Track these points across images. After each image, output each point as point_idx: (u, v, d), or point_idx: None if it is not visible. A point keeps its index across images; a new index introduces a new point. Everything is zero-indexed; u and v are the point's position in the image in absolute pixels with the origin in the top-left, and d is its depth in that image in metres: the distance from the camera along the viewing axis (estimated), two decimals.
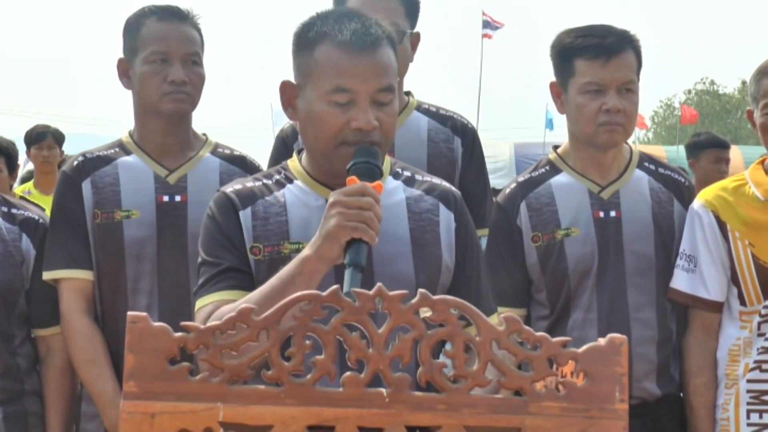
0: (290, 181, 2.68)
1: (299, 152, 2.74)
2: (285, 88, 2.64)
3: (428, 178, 2.77)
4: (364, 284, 2.06)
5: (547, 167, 3.62)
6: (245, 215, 2.61)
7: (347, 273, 2.27)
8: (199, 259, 2.64)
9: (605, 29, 3.51)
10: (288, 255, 2.55)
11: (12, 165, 6.48)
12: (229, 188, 2.68)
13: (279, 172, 2.72)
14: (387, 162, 2.71)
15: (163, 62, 3.44)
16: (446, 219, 2.69)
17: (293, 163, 2.73)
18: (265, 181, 2.70)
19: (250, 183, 2.70)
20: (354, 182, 2.40)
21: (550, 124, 25.02)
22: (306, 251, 2.39)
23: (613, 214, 3.51)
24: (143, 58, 3.46)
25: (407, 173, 2.75)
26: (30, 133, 8.40)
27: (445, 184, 2.78)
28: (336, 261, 2.35)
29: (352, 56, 2.50)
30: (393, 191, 2.67)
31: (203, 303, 2.55)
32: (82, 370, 3.47)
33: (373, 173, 2.43)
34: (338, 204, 2.34)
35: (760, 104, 3.44)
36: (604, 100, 3.42)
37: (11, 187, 6.69)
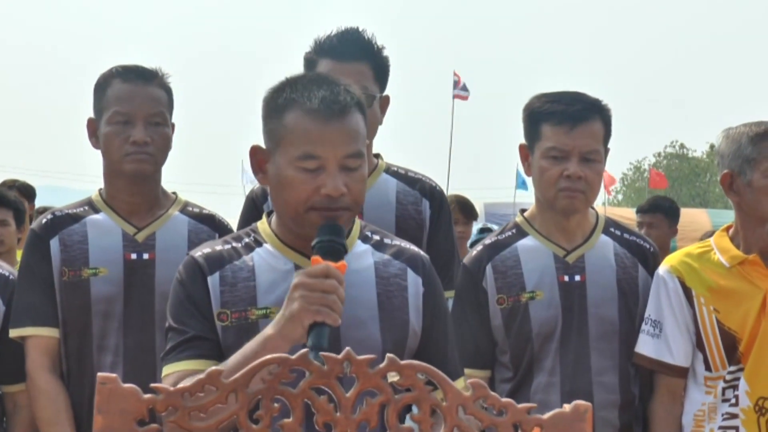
0: (259, 244, 2.68)
1: (269, 214, 2.74)
2: (255, 152, 2.65)
3: (397, 242, 2.78)
4: (332, 347, 2.06)
5: (514, 230, 3.65)
6: (213, 281, 2.61)
7: (309, 356, 2.27)
8: (167, 324, 2.63)
9: (575, 97, 3.53)
10: (255, 321, 2.56)
11: (20, 218, 6.50)
12: (198, 252, 2.67)
13: (249, 235, 2.72)
14: (356, 225, 2.73)
15: (126, 123, 3.45)
16: (414, 283, 2.70)
17: (263, 225, 2.72)
18: (234, 244, 2.69)
19: (219, 246, 2.69)
20: (318, 262, 2.39)
21: (523, 184, 25.07)
22: (269, 330, 2.39)
23: (577, 278, 3.53)
24: (107, 118, 3.47)
25: (376, 237, 2.76)
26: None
27: (414, 248, 2.79)
28: (298, 342, 2.34)
29: (321, 124, 2.52)
30: (361, 255, 2.69)
31: (168, 371, 2.54)
32: (44, 429, 3.46)
33: (337, 253, 2.43)
34: (301, 286, 2.34)
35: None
36: (566, 166, 3.45)
37: (19, 240, 6.69)
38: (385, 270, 2.68)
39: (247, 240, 2.70)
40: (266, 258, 2.65)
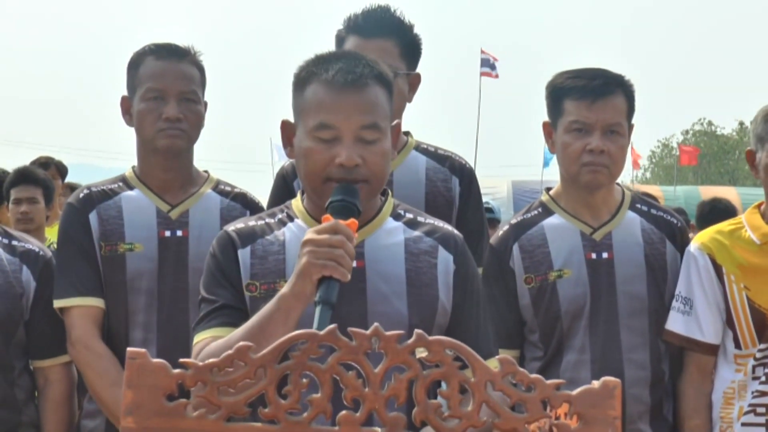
0: (291, 219, 2.73)
1: (303, 192, 2.78)
2: (285, 127, 2.70)
3: (431, 220, 2.79)
4: (359, 323, 2.07)
5: (540, 209, 3.65)
6: (244, 254, 2.66)
7: (317, 310, 2.31)
8: (200, 296, 2.69)
9: (596, 72, 3.53)
10: None
11: (49, 197, 6.58)
12: (232, 227, 2.74)
13: (282, 211, 2.77)
14: (389, 203, 2.76)
15: (159, 99, 3.48)
16: (445, 261, 2.70)
17: (296, 202, 2.77)
18: (267, 219, 2.75)
19: (252, 222, 2.75)
20: (328, 220, 2.44)
21: (546, 161, 24.99)
22: (284, 289, 2.43)
23: (605, 255, 3.53)
24: (140, 95, 3.51)
25: (410, 215, 2.77)
26: (33, 164, 8.41)
27: (448, 227, 2.80)
28: (311, 298, 2.37)
29: (335, 93, 2.56)
30: (392, 232, 2.71)
31: (198, 338, 2.60)
32: (107, 392, 3.42)
33: (348, 211, 2.47)
34: (309, 242, 2.38)
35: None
36: (589, 140, 3.45)
37: (47, 218, 6.77)
38: (415, 246, 2.70)
39: (280, 216, 2.76)
40: (297, 233, 2.68)
